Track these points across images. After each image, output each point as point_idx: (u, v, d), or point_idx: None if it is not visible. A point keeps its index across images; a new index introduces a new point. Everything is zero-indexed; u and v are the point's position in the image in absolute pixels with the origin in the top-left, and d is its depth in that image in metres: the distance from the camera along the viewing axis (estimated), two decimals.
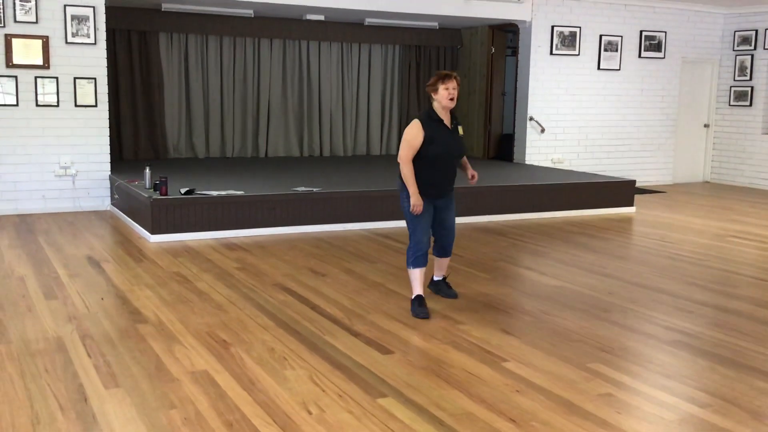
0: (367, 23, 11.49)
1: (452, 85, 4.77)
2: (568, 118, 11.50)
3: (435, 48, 12.51)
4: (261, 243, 7.12)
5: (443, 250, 5.21)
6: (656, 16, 11.89)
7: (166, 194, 7.19)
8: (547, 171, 10.41)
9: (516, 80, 11.54)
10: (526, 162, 11.29)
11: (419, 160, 4.83)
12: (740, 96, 12.26)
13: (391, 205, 8.04)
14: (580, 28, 11.31)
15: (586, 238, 7.67)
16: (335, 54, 11.94)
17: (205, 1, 9.60)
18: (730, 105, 12.44)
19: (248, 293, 5.38)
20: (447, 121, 4.88)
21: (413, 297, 4.97)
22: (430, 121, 4.83)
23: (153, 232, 7.11)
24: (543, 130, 11.29)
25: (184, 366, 3.95)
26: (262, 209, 7.52)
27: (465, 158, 5.14)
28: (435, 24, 11.88)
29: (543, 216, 8.80)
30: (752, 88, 12.07)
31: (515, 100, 11.59)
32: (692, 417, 3.46)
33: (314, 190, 7.86)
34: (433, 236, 5.14)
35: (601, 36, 11.50)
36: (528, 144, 11.30)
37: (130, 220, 7.86)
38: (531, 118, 11.25)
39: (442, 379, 3.84)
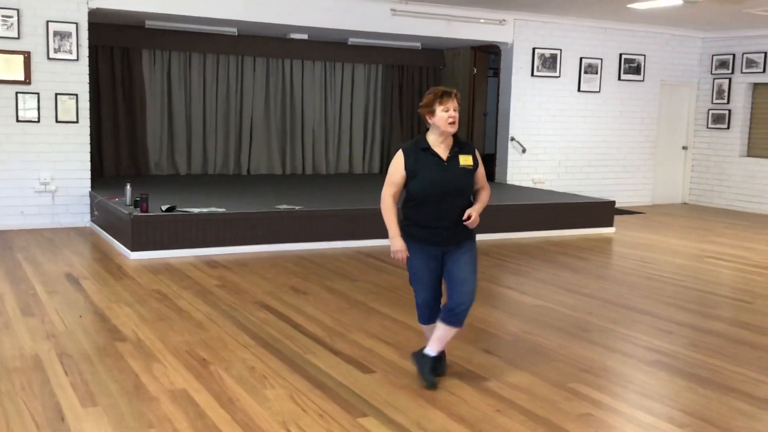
0: (350, 43, 11.55)
1: (452, 105, 3.84)
2: (549, 138, 11.60)
3: (418, 68, 12.60)
4: (242, 261, 7.09)
5: (451, 314, 3.94)
6: (636, 40, 12.05)
7: (146, 211, 7.15)
8: (528, 191, 10.47)
9: (498, 101, 11.63)
10: (508, 182, 11.36)
11: (408, 198, 4.00)
12: (718, 119, 12.44)
13: (373, 223, 8.05)
14: (560, 50, 11.45)
15: (566, 258, 7.72)
16: (318, 73, 11.98)
17: (189, 19, 9.60)
18: (708, 128, 12.61)
19: (229, 311, 5.35)
20: (444, 149, 3.92)
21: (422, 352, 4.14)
22: (417, 150, 3.93)
23: (133, 249, 7.06)
24: (524, 151, 11.37)
25: (163, 384, 3.92)
26: (243, 227, 7.50)
27: (482, 194, 4.06)
28: (418, 44, 11.96)
29: (524, 236, 8.85)
30: (730, 111, 12.25)
31: (497, 121, 11.67)
32: None
33: (296, 208, 7.85)
34: (446, 294, 4.05)
35: (581, 58, 11.64)
36: (509, 164, 11.38)
37: (110, 237, 7.81)
38: (512, 139, 11.33)
39: (423, 398, 3.84)
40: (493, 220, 8.73)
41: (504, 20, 10.91)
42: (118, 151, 10.61)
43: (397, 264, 4.00)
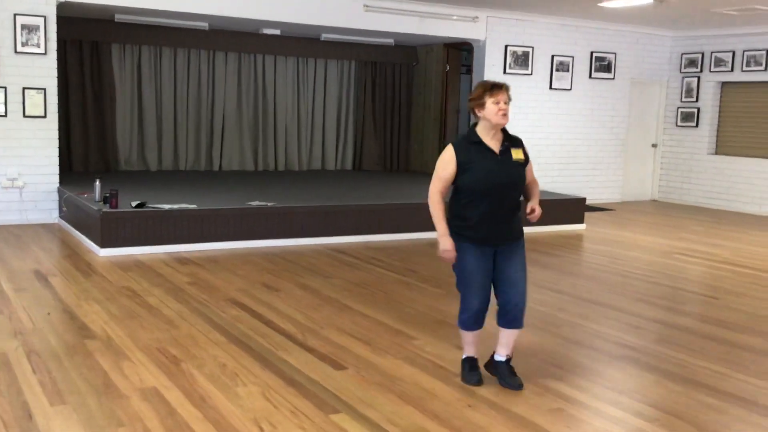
0: (323, 38, 11.52)
1: (503, 97, 3.82)
2: (521, 136, 11.59)
3: (391, 65, 12.60)
4: (214, 257, 7.04)
5: (505, 317, 3.94)
6: (606, 38, 12.16)
7: (116, 207, 7.07)
8: None
9: None
10: None
11: (460, 195, 3.89)
12: (687, 117, 12.60)
13: (345, 220, 8.05)
14: (532, 48, 11.51)
15: (537, 255, 7.77)
16: (291, 68, 11.94)
17: (159, 13, 9.51)
18: (677, 125, 12.77)
19: (200, 308, 5.32)
20: (496, 142, 3.88)
21: (463, 358, 4.14)
22: (468, 144, 3.85)
23: (102, 245, 6.98)
24: None
25: (133, 382, 3.88)
26: (215, 223, 7.45)
27: (534, 188, 4.06)
28: (391, 41, 11.96)
29: None
30: (698, 109, 12.41)
31: (469, 118, 11.70)
32: (639, 431, 3.52)
33: (268, 204, 7.81)
34: (495, 296, 3.99)
35: (553, 56, 11.72)
36: None
37: (78, 233, 7.71)
38: None
39: (396, 394, 3.84)
40: None
41: (476, 17, 10.95)
42: (87, 147, 10.49)
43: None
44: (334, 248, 7.65)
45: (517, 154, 3.91)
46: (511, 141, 3.93)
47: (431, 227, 8.43)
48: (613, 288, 6.44)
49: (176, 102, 11.14)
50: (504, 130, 3.92)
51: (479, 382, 4.00)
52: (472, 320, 3.95)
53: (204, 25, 10.50)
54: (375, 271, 6.72)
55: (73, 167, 10.31)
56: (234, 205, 7.76)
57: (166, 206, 7.33)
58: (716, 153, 12.32)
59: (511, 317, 3.93)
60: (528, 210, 3.94)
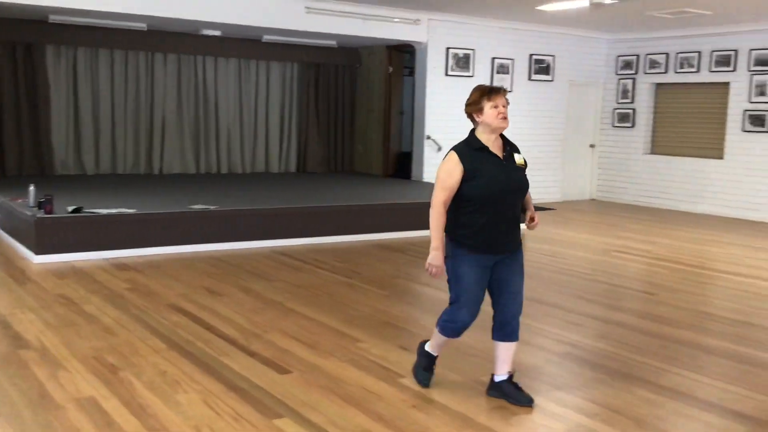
0: (264, 40, 11.42)
1: (501, 101, 3.74)
2: (463, 137, 11.75)
3: (334, 66, 12.57)
4: (154, 263, 6.91)
5: (504, 329, 3.82)
6: (545, 41, 12.36)
7: (51, 213, 6.87)
8: None
9: (413, 99, 11.72)
10: (424, 179, 11.46)
11: (462, 203, 3.71)
12: (623, 118, 12.90)
13: (288, 222, 7.99)
14: (473, 50, 11.63)
15: None
16: (233, 70, 11.80)
17: (95, 14, 9.28)
18: (613, 126, 13.06)
19: (139, 315, 5.21)
20: (497, 148, 3.78)
21: (426, 351, 4.05)
22: (471, 150, 3.75)
23: (37, 252, 6.78)
24: (440, 149, 11.50)
25: (70, 392, 3.77)
26: (155, 228, 7.31)
27: (529, 196, 3.94)
28: (333, 42, 11.93)
29: None
30: (634, 110, 12.72)
31: (413, 119, 11.77)
32: (581, 427, 3.58)
33: (211, 207, 7.71)
34: (492, 308, 3.88)
35: (493, 59, 11.86)
36: (425, 162, 11.49)
37: (12, 240, 7.48)
38: (428, 137, 11.45)
39: (340, 397, 3.83)
40: (410, 217, 8.81)
41: (418, 20, 11.00)
42: (21, 150, 10.18)
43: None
44: (278, 251, 7.59)
45: (519, 160, 3.83)
46: (512, 146, 3.85)
47: (375, 229, 8.46)
48: (553, 286, 6.54)
49: (114, 104, 10.89)
50: (503, 136, 3.84)
51: (428, 384, 3.98)
52: (457, 331, 3.85)
53: (142, 25, 10.29)
54: (319, 274, 6.69)
55: (6, 171, 9.99)
56: (175, 208, 7.62)
57: (104, 211, 7.16)
58: (652, 153, 12.64)
59: (509, 330, 3.82)
60: (528, 219, 3.90)
